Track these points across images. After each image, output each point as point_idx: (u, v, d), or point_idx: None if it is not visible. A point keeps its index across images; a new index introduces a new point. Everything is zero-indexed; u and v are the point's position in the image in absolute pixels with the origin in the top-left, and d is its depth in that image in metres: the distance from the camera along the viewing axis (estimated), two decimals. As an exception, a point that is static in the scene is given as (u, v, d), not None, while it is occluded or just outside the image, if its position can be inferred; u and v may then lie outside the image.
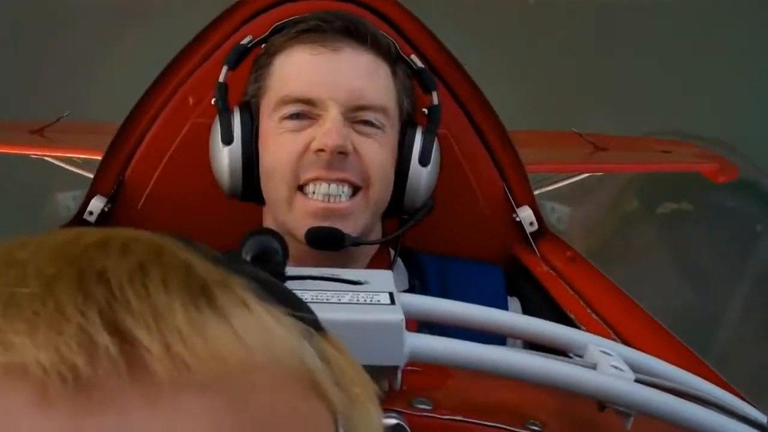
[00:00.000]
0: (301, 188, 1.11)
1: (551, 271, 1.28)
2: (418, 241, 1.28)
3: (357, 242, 1.12)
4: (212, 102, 1.19)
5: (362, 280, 0.68)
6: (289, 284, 0.65)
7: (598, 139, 2.61)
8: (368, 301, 0.66)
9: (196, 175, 1.28)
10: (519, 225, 1.35)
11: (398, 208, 1.18)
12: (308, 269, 0.68)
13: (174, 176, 1.33)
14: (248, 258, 0.64)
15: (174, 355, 0.30)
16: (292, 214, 1.11)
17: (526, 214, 1.35)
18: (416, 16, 1.36)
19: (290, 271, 0.62)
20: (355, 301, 0.66)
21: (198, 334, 0.31)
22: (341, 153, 1.08)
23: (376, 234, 1.21)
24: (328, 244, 1.10)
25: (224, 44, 1.32)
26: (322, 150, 1.08)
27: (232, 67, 1.20)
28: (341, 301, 0.65)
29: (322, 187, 1.09)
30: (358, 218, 1.11)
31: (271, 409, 0.32)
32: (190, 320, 0.31)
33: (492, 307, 0.93)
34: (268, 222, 1.19)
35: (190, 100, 1.34)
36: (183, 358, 0.30)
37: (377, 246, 1.22)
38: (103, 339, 0.29)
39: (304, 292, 0.64)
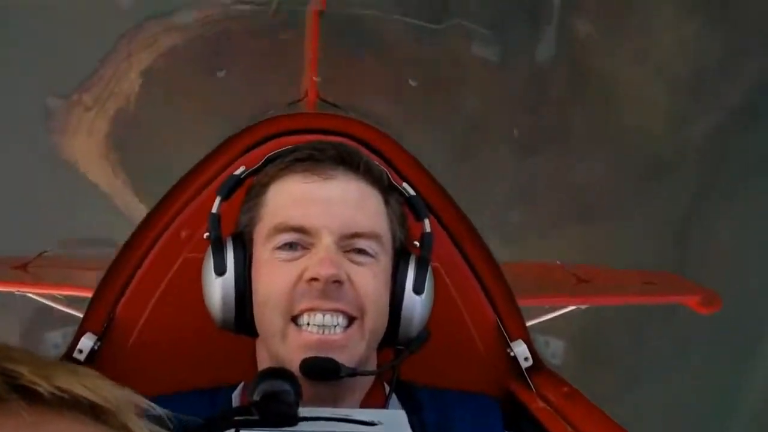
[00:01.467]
0: (294, 319, 1.08)
1: (548, 408, 1.26)
2: (413, 374, 1.26)
3: (353, 373, 1.08)
4: (204, 236, 1.17)
5: (375, 420, 0.67)
6: (302, 425, 0.64)
7: (581, 270, 2.64)
8: None
9: (187, 310, 1.27)
10: (513, 360, 1.33)
11: (393, 338, 1.16)
12: (321, 410, 0.67)
13: (165, 312, 1.32)
14: (258, 398, 0.62)
15: None
16: (285, 346, 1.08)
17: (520, 348, 1.33)
18: (406, 149, 1.39)
19: (303, 411, 0.61)
20: None
21: None
22: (335, 282, 1.06)
23: (372, 365, 1.17)
24: (324, 374, 1.06)
25: (218, 178, 1.33)
26: (315, 279, 1.06)
27: (225, 198, 1.19)
28: None
29: (317, 318, 1.07)
30: (353, 349, 1.09)
31: None
32: None
33: None
34: (262, 354, 1.16)
35: (182, 235, 1.34)
36: None
37: (373, 378, 1.19)
38: None
39: None
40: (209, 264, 1.14)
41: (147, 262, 1.34)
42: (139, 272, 1.34)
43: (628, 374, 4.60)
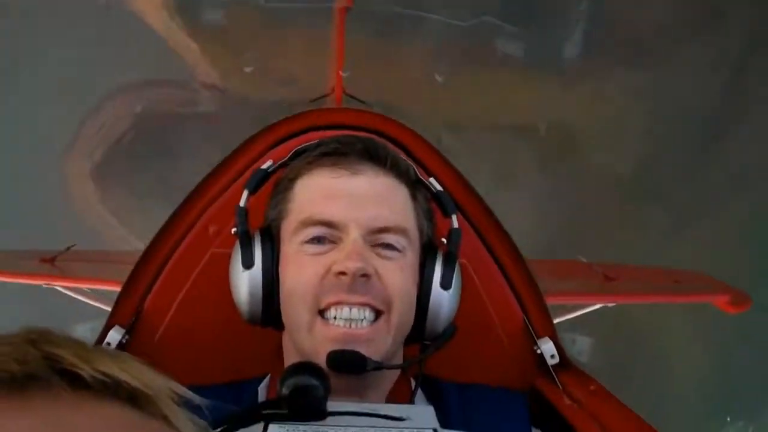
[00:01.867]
0: (321, 313, 1.08)
1: (575, 405, 1.25)
2: (439, 369, 1.26)
3: (379, 366, 1.07)
4: (232, 231, 1.18)
5: (404, 416, 0.66)
6: (331, 420, 0.64)
7: (606, 269, 2.62)
8: None
9: (214, 305, 1.27)
10: (540, 357, 1.32)
11: (420, 334, 1.15)
12: (348, 404, 0.67)
13: (192, 307, 1.33)
14: (287, 392, 0.62)
15: None
16: (312, 339, 1.08)
17: (547, 346, 1.33)
18: (432, 145, 1.39)
19: (331, 406, 0.61)
20: None
21: None
22: (363, 276, 1.06)
23: (398, 359, 1.17)
24: (350, 367, 1.05)
25: (245, 173, 1.34)
26: (343, 273, 1.06)
27: (253, 192, 1.19)
28: None
29: (344, 312, 1.07)
30: (380, 343, 1.08)
31: None
32: None
33: None
34: (288, 347, 1.17)
35: (210, 230, 1.35)
36: None
37: (398, 372, 1.18)
38: None
39: (348, 428, 0.62)
40: (237, 257, 1.15)
41: (175, 256, 1.35)
42: (167, 267, 1.34)
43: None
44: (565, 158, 4.69)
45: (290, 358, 1.15)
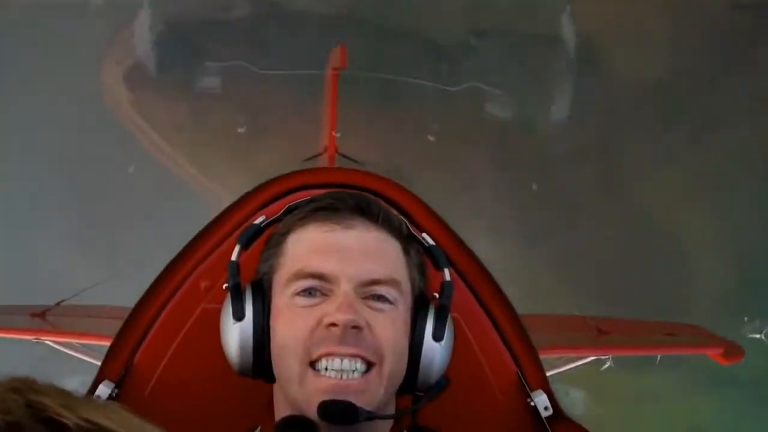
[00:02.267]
0: (312, 364, 1.08)
1: None
2: (432, 424, 1.24)
3: (371, 416, 1.07)
4: (224, 287, 1.17)
5: None
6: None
7: (600, 323, 2.61)
8: None
9: (205, 360, 1.26)
10: (534, 410, 1.32)
11: (412, 385, 1.15)
12: None
13: (183, 362, 1.32)
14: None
15: None
16: (303, 390, 1.08)
17: (540, 398, 1.32)
18: (424, 202, 1.40)
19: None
20: None
21: None
22: (354, 327, 1.07)
23: (390, 410, 1.16)
24: (342, 418, 1.05)
25: (238, 229, 1.34)
26: (334, 324, 1.06)
27: (245, 246, 1.20)
28: None
29: (335, 363, 1.06)
30: (372, 394, 1.08)
31: None
32: None
33: None
34: (279, 399, 1.16)
35: (202, 286, 1.35)
36: None
37: (391, 424, 1.17)
38: None
39: None
40: (228, 310, 1.15)
41: (166, 311, 1.35)
42: (158, 321, 1.34)
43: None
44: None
45: (281, 410, 1.14)
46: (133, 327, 1.33)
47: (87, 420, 0.41)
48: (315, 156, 3.31)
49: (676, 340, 2.52)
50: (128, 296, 1.44)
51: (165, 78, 4.75)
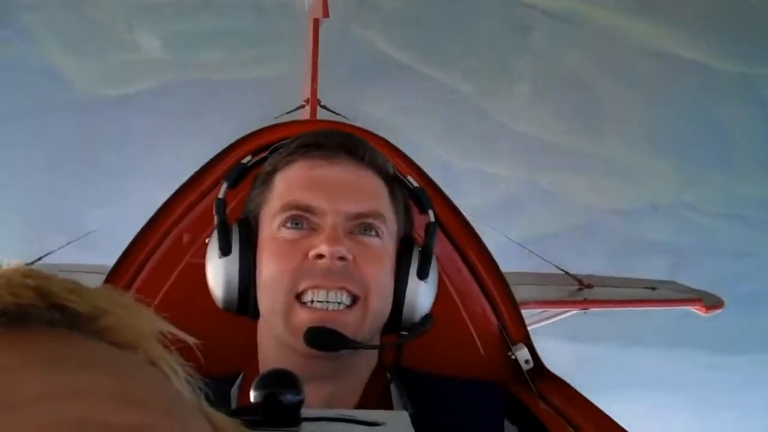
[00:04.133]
0: (298, 297, 1.08)
1: (550, 410, 1.25)
2: (414, 367, 1.26)
3: (357, 345, 1.07)
4: (206, 240, 1.17)
5: (379, 421, 0.66)
6: (306, 426, 0.63)
7: (582, 278, 2.63)
8: None
9: (189, 315, 1.26)
10: (515, 363, 1.33)
11: (397, 323, 1.15)
12: (324, 411, 0.66)
13: (167, 317, 1.31)
14: (260, 400, 0.62)
15: None
16: (289, 323, 1.08)
17: (521, 352, 1.33)
18: (404, 152, 1.40)
19: (306, 412, 0.61)
20: None
21: None
22: (340, 259, 1.07)
23: None
24: (329, 344, 1.05)
25: (219, 184, 1.33)
26: (321, 256, 1.06)
27: (232, 186, 1.20)
28: None
29: (320, 294, 1.06)
30: (356, 327, 1.08)
31: None
32: None
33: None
34: (263, 336, 1.16)
35: (185, 239, 1.34)
36: None
37: (375, 360, 1.18)
38: None
39: None
40: (214, 246, 1.14)
41: (148, 266, 1.34)
42: (141, 277, 1.33)
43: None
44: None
45: (266, 347, 1.15)
46: (115, 283, 1.32)
47: (96, 307, 0.41)
48: (296, 108, 3.29)
49: (658, 294, 2.55)
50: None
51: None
